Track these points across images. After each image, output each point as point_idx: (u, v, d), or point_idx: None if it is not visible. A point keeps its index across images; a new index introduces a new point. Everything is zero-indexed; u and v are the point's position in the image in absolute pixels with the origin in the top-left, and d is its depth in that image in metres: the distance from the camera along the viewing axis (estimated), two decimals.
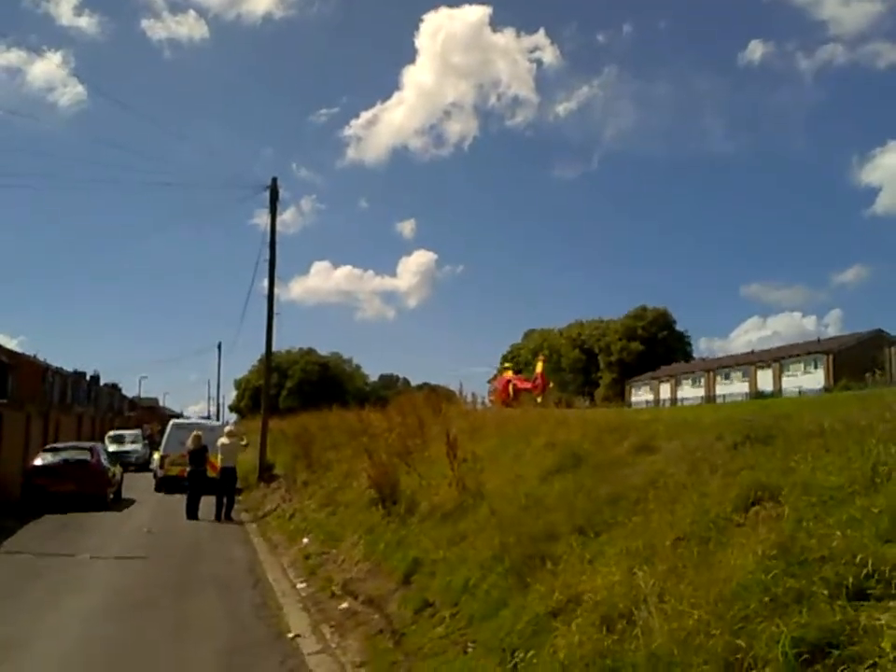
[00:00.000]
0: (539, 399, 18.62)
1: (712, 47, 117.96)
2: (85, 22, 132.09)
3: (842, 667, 3.50)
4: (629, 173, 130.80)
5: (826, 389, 46.98)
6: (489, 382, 38.08)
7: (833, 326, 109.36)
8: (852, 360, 53.83)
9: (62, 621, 8.88)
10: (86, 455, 21.54)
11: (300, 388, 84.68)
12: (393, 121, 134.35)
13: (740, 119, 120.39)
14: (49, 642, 7.99)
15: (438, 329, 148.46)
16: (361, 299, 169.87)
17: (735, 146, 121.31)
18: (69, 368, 62.96)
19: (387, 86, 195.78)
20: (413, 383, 79.69)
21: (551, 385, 22.12)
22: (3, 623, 8.63)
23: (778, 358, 66.65)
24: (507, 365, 32.80)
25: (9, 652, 7.50)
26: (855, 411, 7.00)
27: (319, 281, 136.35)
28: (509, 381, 22.59)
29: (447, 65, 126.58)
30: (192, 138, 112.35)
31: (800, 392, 46.13)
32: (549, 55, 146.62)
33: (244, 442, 21.51)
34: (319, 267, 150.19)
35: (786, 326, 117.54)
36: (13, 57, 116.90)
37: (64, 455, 21.56)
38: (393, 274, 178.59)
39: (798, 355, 65.17)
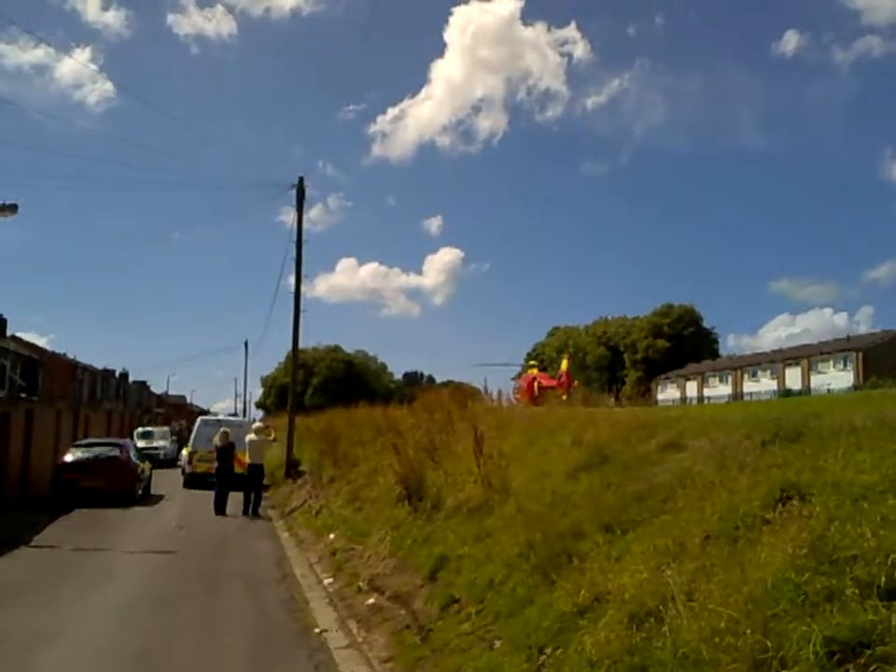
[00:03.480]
0: (563, 397, 18.55)
1: (745, 38, 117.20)
2: (111, 17, 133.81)
3: (874, 667, 3.47)
4: (658, 168, 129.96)
5: (855, 387, 46.40)
6: (513, 379, 37.97)
7: (864, 323, 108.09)
8: (883, 358, 53.14)
9: (92, 614, 9.00)
10: (115, 452, 21.80)
11: (325, 386, 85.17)
12: (420, 117, 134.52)
13: (772, 113, 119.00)
14: (80, 635, 8.10)
15: (463, 327, 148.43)
16: (387, 296, 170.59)
17: (766, 140, 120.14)
18: (98, 365, 63.83)
19: (415, 81, 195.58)
20: (438, 380, 79.85)
21: (576, 383, 22.03)
22: (35, 616, 8.76)
23: (807, 356, 65.86)
24: (532, 363, 32.67)
25: (42, 645, 7.61)
26: (887, 408, 6.91)
27: (345, 278, 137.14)
28: (534, 379, 22.55)
29: (476, 59, 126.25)
30: (219, 136, 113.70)
31: (829, 390, 45.59)
32: (579, 49, 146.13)
33: (271, 437, 21.66)
34: (345, 264, 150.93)
35: (816, 323, 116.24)
36: (41, 54, 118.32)
37: (94, 451, 21.83)
38: (419, 272, 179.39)
39: (827, 352, 64.36)
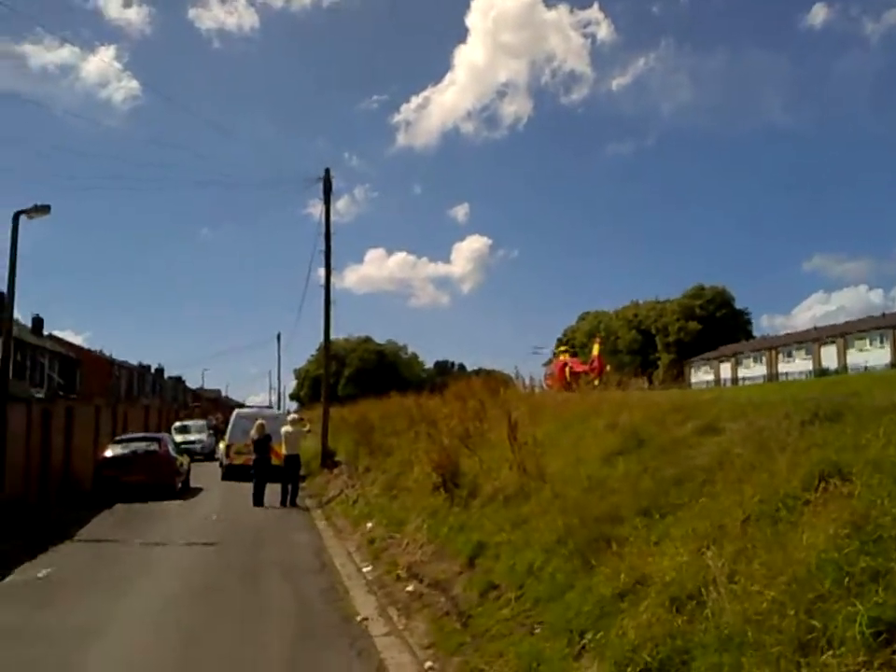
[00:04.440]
0: (595, 382, 18.44)
1: (772, 12, 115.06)
2: (134, 14, 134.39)
3: None
4: (686, 148, 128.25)
5: (893, 365, 45.65)
6: (544, 366, 37.85)
7: None
8: None
9: (135, 607, 9.17)
10: (154, 446, 22.12)
11: (358, 376, 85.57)
12: (444, 104, 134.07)
13: (800, 89, 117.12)
14: (125, 627, 8.27)
15: (492, 315, 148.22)
16: (415, 286, 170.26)
17: (795, 117, 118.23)
18: (134, 362, 64.78)
19: (438, 68, 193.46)
20: (469, 368, 79.82)
21: (608, 367, 21.87)
22: (81, 609, 8.96)
23: (843, 334, 64.88)
24: (562, 348, 32.49)
25: (89, 638, 7.77)
26: None
27: (373, 269, 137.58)
28: (565, 364, 22.42)
29: (499, 44, 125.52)
30: (243, 131, 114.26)
31: (865, 368, 44.90)
32: (603, 30, 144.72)
33: (306, 429, 21.84)
34: (373, 255, 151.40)
35: (851, 300, 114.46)
36: (66, 54, 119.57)
37: (133, 446, 22.18)
38: (447, 260, 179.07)
39: (863, 330, 63.36)
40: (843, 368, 55.34)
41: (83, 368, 52.30)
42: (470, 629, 7.35)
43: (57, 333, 54.45)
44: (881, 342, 59.96)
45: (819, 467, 5.37)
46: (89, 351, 56.60)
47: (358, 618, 8.63)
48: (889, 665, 3.48)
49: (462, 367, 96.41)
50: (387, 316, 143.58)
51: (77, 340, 63.10)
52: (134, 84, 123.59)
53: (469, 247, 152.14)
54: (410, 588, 9.53)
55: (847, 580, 3.99)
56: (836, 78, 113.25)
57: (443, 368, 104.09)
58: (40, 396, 23.89)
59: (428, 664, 6.96)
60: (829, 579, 4.07)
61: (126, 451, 21.72)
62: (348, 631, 8.14)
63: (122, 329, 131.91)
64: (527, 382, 19.37)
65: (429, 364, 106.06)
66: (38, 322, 50.37)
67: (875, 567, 3.95)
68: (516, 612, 7.01)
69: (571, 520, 7.40)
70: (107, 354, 59.07)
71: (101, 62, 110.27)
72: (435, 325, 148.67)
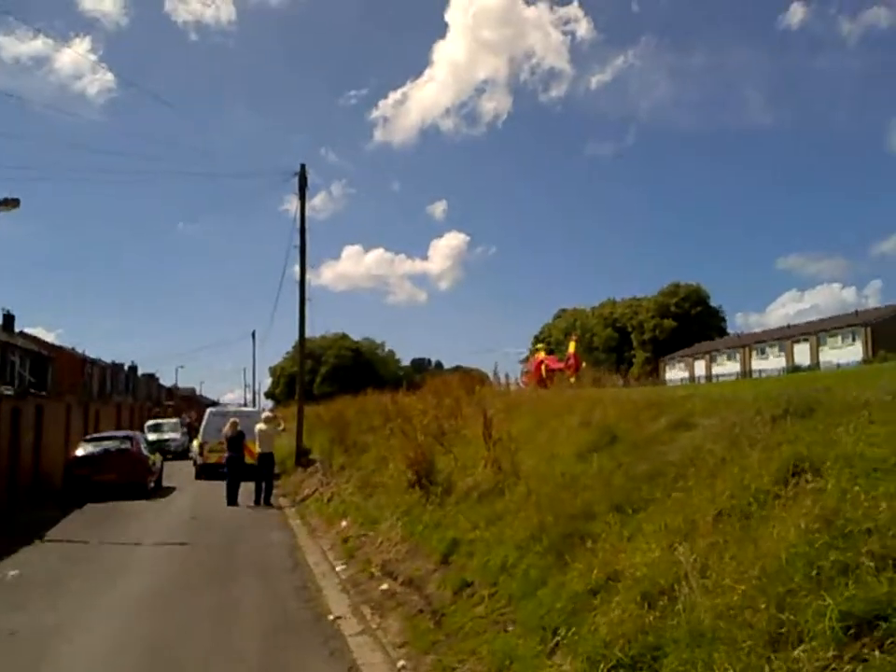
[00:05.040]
0: (572, 380, 18.48)
1: (751, 11, 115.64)
2: (109, 5, 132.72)
3: (890, 640, 3.44)
4: (664, 146, 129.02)
5: (864, 362, 46.19)
6: (521, 363, 37.91)
7: (873, 297, 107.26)
8: (891, 332, 52.95)
9: (107, 607, 9.05)
10: (126, 445, 21.87)
11: (334, 374, 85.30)
12: (423, 100, 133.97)
13: (779, 87, 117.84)
14: (95, 628, 8.15)
15: (469, 312, 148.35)
16: (392, 283, 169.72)
17: (773, 116, 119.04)
18: (107, 359, 64.04)
19: (417, 63, 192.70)
20: (446, 366, 79.89)
21: (584, 364, 21.92)
22: (50, 610, 8.82)
23: (815, 332, 65.61)
24: (539, 346, 32.56)
25: (58, 639, 7.67)
26: None
27: (350, 265, 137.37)
28: (541, 361, 22.45)
29: (479, 40, 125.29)
30: (220, 124, 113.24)
31: (838, 366, 45.42)
32: (583, 27, 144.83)
33: (281, 427, 21.69)
34: (350, 251, 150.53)
35: (824, 298, 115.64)
36: (39, 45, 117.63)
37: (105, 444, 21.91)
38: (424, 257, 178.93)
39: (835, 328, 64.08)
40: (815, 365, 55.99)
41: (55, 365, 51.63)
42: (444, 627, 7.32)
43: (28, 330, 53.70)
44: (853, 339, 60.65)
45: (790, 462, 5.38)
46: (61, 348, 55.81)
47: (331, 617, 8.57)
48: (859, 658, 3.48)
49: (439, 364, 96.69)
50: (364, 314, 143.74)
51: (48, 337, 62.22)
52: (109, 77, 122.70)
53: (447, 244, 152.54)
54: (383, 586, 9.48)
55: (817, 574, 3.99)
56: (814, 78, 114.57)
57: (420, 365, 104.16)
58: (9, 393, 23.49)
59: (401, 662, 6.92)
60: (799, 573, 4.07)
61: (97, 449, 21.44)
62: (321, 630, 8.08)
63: (95, 325, 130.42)
64: (503, 379, 19.40)
65: (406, 361, 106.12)
66: (9, 318, 49.61)
67: (845, 561, 3.96)
68: (490, 610, 6.99)
69: (545, 517, 7.39)
70: (80, 351, 58.32)
71: (75, 53, 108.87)
72: (412, 322, 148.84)
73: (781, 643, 3.82)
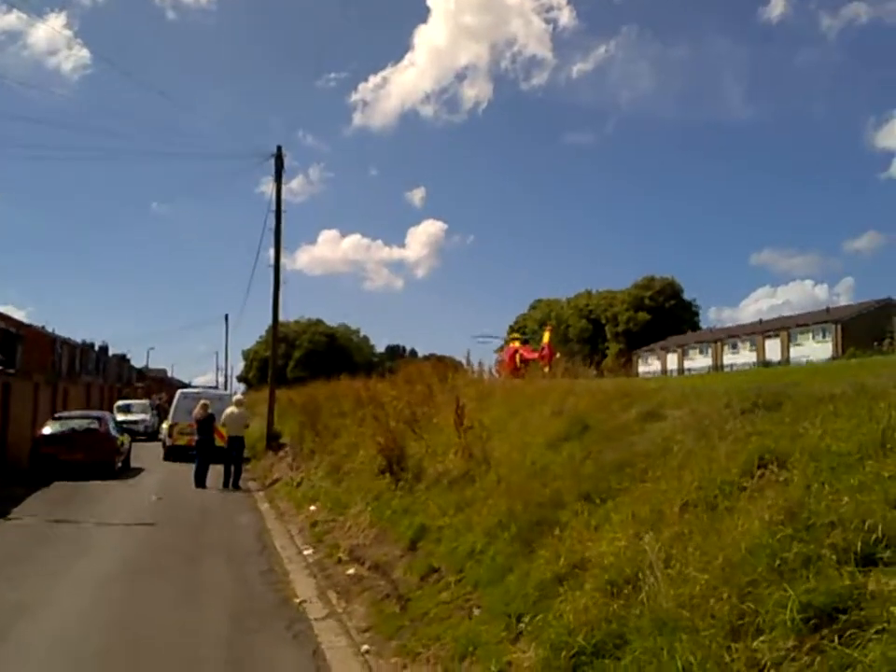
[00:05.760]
0: (546, 370, 18.52)
1: (732, 3, 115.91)
2: None
3: (849, 632, 3.47)
4: (643, 137, 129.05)
5: (834, 359, 46.77)
6: (496, 352, 37.94)
7: (844, 295, 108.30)
8: (861, 330, 53.60)
9: (72, 586, 8.96)
10: (95, 424, 21.63)
11: (307, 359, 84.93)
12: (404, 84, 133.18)
13: (758, 80, 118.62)
14: (59, 607, 8.06)
15: (445, 300, 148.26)
16: (369, 269, 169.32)
17: (752, 109, 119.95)
18: (77, 339, 63.25)
19: (398, 48, 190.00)
20: (420, 353, 79.77)
21: (558, 355, 21.98)
22: (14, 588, 8.70)
23: (786, 328, 66.42)
24: (514, 335, 32.62)
25: (22, 617, 7.57)
26: (864, 377, 6.92)
27: (327, 250, 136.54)
28: (516, 351, 22.48)
29: (460, 26, 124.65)
30: (197, 104, 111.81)
31: (807, 362, 45.97)
32: (565, 15, 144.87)
33: (247, 423, 21.33)
34: (327, 236, 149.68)
35: (797, 294, 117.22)
36: (13, 19, 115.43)
37: (73, 423, 21.65)
38: (402, 244, 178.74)
39: (806, 324, 64.91)
40: (786, 361, 56.60)
41: (24, 343, 50.92)
42: (409, 613, 7.32)
43: None
44: (823, 336, 61.48)
45: (756, 454, 5.43)
46: (30, 326, 55.01)
47: (297, 600, 8.54)
48: (818, 649, 3.51)
49: (413, 352, 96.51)
50: (340, 299, 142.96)
51: (19, 315, 61.30)
52: (85, 53, 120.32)
53: (425, 231, 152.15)
54: (350, 571, 9.47)
55: (779, 565, 4.03)
56: (793, 72, 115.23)
57: (395, 352, 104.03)
58: None
59: (365, 647, 6.92)
60: (762, 564, 4.10)
61: (65, 428, 21.17)
62: (286, 614, 8.04)
63: (66, 304, 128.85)
64: (477, 368, 19.39)
65: (381, 348, 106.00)
66: None
67: (808, 553, 3.99)
68: (455, 596, 7.00)
69: (514, 504, 7.41)
70: (50, 330, 57.53)
71: (50, 29, 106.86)
72: (388, 309, 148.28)
73: (742, 633, 3.85)
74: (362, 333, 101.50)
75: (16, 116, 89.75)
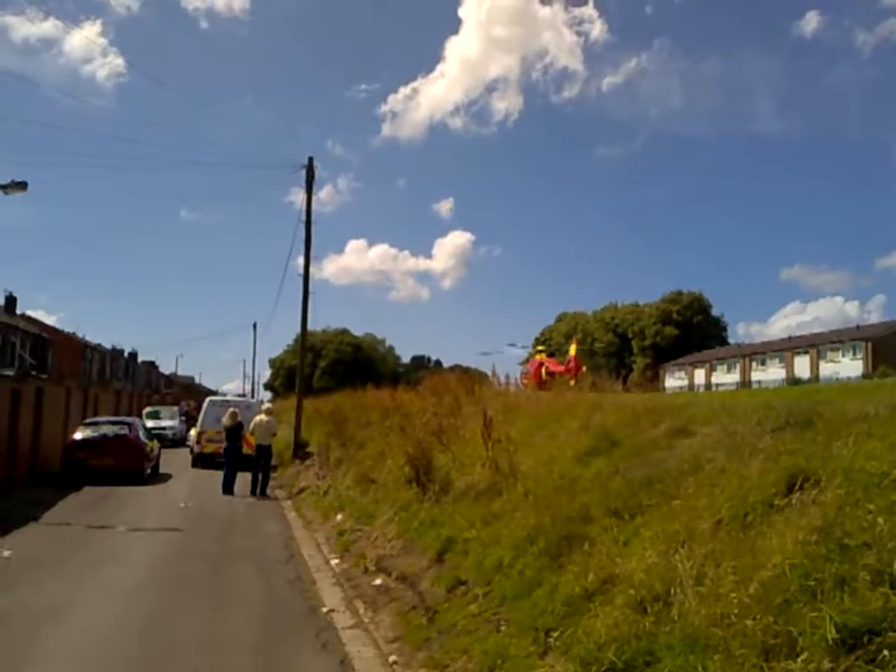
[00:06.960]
0: (571, 383, 18.49)
1: (766, 17, 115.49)
2: None
3: (884, 654, 3.46)
4: (673, 151, 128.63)
5: (864, 376, 46.19)
6: (521, 364, 37.92)
7: (875, 312, 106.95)
8: (892, 348, 52.99)
9: (100, 592, 9.05)
10: (124, 430, 21.88)
11: (333, 368, 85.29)
12: (433, 96, 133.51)
13: (790, 97, 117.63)
14: (88, 612, 8.16)
15: (471, 312, 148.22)
16: (395, 279, 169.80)
17: (784, 125, 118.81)
18: (107, 345, 64.08)
19: (429, 59, 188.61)
20: (445, 364, 79.82)
21: (584, 368, 21.94)
22: (45, 593, 8.82)
23: (816, 345, 65.63)
24: (539, 348, 32.64)
25: (51, 622, 7.66)
26: None
27: (354, 260, 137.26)
28: (541, 364, 22.48)
29: (492, 37, 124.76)
30: (229, 113, 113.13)
31: (837, 379, 45.42)
32: (597, 28, 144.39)
33: (274, 432, 21.37)
34: (354, 245, 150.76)
35: (827, 311, 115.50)
36: (49, 27, 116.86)
37: (103, 429, 21.92)
38: (428, 255, 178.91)
39: (836, 341, 64.12)
40: (815, 378, 55.95)
41: (55, 349, 51.68)
42: (436, 624, 7.33)
43: (30, 313, 53.79)
44: (854, 353, 60.68)
45: (789, 473, 5.40)
46: (61, 332, 55.86)
47: (324, 609, 8.58)
48: (854, 671, 3.50)
49: (438, 362, 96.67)
50: (367, 309, 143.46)
51: (50, 320, 62.32)
52: (119, 61, 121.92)
53: (452, 243, 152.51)
54: (377, 581, 9.50)
55: (813, 585, 4.01)
56: (826, 88, 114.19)
57: (420, 363, 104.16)
58: (10, 374, 23.50)
59: (393, 657, 6.93)
60: (796, 584, 4.09)
61: (96, 434, 21.44)
62: (314, 622, 8.08)
63: (97, 310, 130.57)
64: (503, 380, 19.41)
65: (406, 358, 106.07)
66: (11, 300, 49.70)
67: (842, 573, 3.98)
68: (483, 609, 7.00)
69: (542, 518, 7.41)
70: (80, 336, 58.35)
71: (85, 37, 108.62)
72: (414, 319, 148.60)
73: (776, 653, 3.84)
74: (388, 343, 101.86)
75: (48, 123, 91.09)
